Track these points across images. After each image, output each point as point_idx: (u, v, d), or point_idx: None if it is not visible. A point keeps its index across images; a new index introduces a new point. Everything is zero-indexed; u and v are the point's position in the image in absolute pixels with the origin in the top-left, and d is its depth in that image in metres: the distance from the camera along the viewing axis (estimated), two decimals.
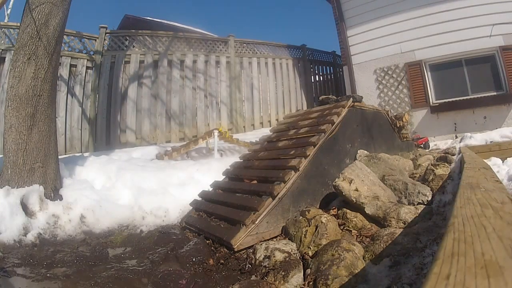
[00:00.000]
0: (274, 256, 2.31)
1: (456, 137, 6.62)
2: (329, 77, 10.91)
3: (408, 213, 2.54)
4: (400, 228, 2.42)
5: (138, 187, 3.88)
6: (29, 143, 3.25)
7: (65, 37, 5.60)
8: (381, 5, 7.37)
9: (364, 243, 2.42)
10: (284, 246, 2.45)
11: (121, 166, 4.29)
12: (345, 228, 2.70)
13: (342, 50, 8.17)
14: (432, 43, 6.89)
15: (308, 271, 2.14)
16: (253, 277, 2.22)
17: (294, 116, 4.65)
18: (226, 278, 2.27)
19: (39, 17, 3.32)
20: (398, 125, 4.85)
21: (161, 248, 2.73)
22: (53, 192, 3.38)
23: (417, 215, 2.53)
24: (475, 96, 6.66)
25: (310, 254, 2.36)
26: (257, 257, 2.38)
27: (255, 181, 3.32)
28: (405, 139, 5.01)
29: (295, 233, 2.60)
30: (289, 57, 9.45)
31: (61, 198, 3.38)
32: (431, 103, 7.03)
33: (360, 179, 2.87)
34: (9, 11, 8.96)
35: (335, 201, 3.11)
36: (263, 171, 3.40)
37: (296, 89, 9.44)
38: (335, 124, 3.56)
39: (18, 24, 3.80)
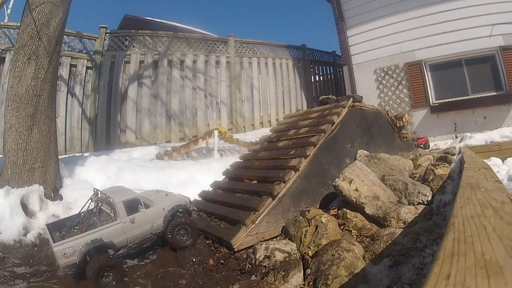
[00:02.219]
0: (274, 256, 2.31)
1: (456, 137, 6.61)
2: (329, 77, 10.91)
3: (408, 213, 2.54)
4: (400, 228, 2.42)
5: (138, 187, 3.87)
6: (29, 143, 3.25)
7: (65, 37, 5.59)
8: (381, 5, 7.36)
9: (364, 243, 2.42)
10: (284, 246, 2.45)
11: (121, 166, 4.29)
12: (345, 228, 2.70)
13: (342, 50, 8.17)
14: (432, 43, 6.88)
15: (308, 271, 2.14)
16: (253, 277, 2.22)
17: (294, 116, 4.66)
18: (226, 278, 2.27)
19: (39, 17, 3.32)
20: (398, 125, 4.84)
21: (161, 248, 2.73)
22: (53, 192, 3.38)
23: (417, 215, 2.53)
24: (475, 96, 6.66)
25: (310, 254, 2.36)
26: (257, 257, 2.38)
27: (255, 181, 3.32)
28: (405, 139, 5.01)
29: (295, 233, 2.60)
30: (289, 57, 9.45)
31: (61, 198, 3.38)
32: (431, 103, 7.03)
33: (360, 179, 2.87)
34: (9, 11, 8.95)
35: (335, 201, 3.11)
36: (263, 171, 3.40)
37: (296, 89, 9.44)
38: (335, 124, 3.56)
39: (18, 24, 3.80)
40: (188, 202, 2.83)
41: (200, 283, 2.19)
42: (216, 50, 7.96)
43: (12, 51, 4.09)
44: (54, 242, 2.15)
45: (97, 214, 2.55)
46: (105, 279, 2.18)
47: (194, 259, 2.43)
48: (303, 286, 2.05)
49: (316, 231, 2.48)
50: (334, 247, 2.14)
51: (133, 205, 2.45)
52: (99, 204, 2.60)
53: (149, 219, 2.50)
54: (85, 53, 6.37)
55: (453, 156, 4.43)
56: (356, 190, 2.78)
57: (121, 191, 2.60)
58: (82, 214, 2.57)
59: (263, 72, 8.77)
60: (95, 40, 6.48)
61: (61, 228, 2.47)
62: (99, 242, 2.22)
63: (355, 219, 2.72)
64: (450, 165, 3.63)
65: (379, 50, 7.51)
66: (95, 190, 2.61)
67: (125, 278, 2.25)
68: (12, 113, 3.24)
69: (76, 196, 3.39)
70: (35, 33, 3.29)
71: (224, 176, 3.87)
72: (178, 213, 2.67)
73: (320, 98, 4.55)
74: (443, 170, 3.31)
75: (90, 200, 2.59)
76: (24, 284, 2.16)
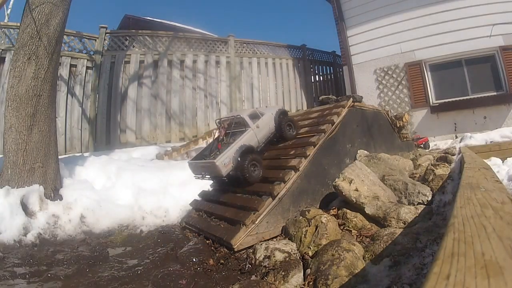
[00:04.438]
0: (274, 256, 2.31)
1: (456, 137, 6.61)
2: (329, 77, 10.90)
3: (408, 213, 2.54)
4: (400, 228, 2.42)
5: (138, 187, 3.88)
6: (29, 143, 3.25)
7: (65, 37, 5.60)
8: (381, 5, 7.36)
9: (364, 243, 2.42)
10: (284, 246, 2.45)
11: (121, 166, 4.29)
12: (345, 228, 2.70)
13: (342, 50, 8.17)
14: (432, 43, 6.88)
15: (308, 271, 2.14)
16: (253, 277, 2.22)
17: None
18: (226, 278, 2.27)
19: (39, 17, 3.32)
20: (398, 125, 4.84)
21: (161, 248, 2.73)
22: (53, 192, 3.38)
23: (417, 215, 2.53)
24: (475, 96, 6.66)
25: (310, 254, 2.36)
26: (257, 257, 2.38)
27: None
28: (405, 139, 5.01)
29: (295, 233, 2.60)
30: (289, 57, 9.45)
31: (61, 198, 3.38)
32: (431, 103, 7.03)
33: (360, 179, 2.86)
34: (9, 11, 8.96)
35: (335, 201, 3.11)
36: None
37: (296, 89, 9.44)
38: (335, 124, 3.56)
39: (18, 24, 3.80)
40: (282, 107, 4.00)
41: (200, 283, 2.19)
42: (216, 50, 7.96)
43: (12, 51, 4.09)
44: (214, 160, 2.92)
45: (226, 135, 3.40)
46: (254, 173, 3.06)
47: (194, 259, 2.43)
48: (303, 286, 2.05)
49: (316, 231, 2.48)
50: (334, 247, 2.14)
51: (254, 116, 3.42)
52: (227, 127, 3.45)
53: (267, 123, 3.48)
54: (85, 53, 6.38)
55: (453, 156, 4.43)
56: (356, 190, 2.78)
57: (243, 110, 3.76)
58: (220, 138, 3.41)
59: (263, 72, 8.78)
60: (95, 40, 6.49)
61: (204, 156, 3.32)
62: (244, 147, 3.08)
63: (355, 219, 2.72)
64: (450, 165, 3.63)
65: (379, 50, 7.51)
66: (217, 120, 3.61)
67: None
68: (12, 113, 3.24)
69: (76, 196, 3.40)
70: (35, 33, 3.29)
71: None
72: (283, 115, 3.70)
73: (320, 98, 4.55)
74: (443, 170, 3.31)
75: (217, 130, 3.55)
76: (24, 284, 2.16)
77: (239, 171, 3.02)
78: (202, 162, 3.16)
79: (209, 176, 3.18)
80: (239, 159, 3.01)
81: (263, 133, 3.41)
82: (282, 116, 3.66)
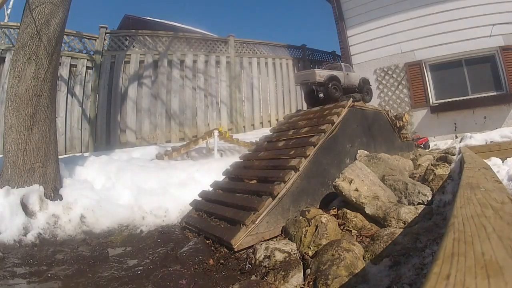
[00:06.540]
0: (274, 256, 2.31)
1: (456, 137, 6.61)
2: None
3: (408, 213, 2.54)
4: (400, 228, 2.42)
5: (138, 187, 3.88)
6: (29, 143, 3.25)
7: (65, 37, 5.60)
8: (381, 5, 7.37)
9: (364, 243, 2.42)
10: (284, 246, 2.45)
11: (121, 166, 4.29)
12: (345, 228, 2.70)
13: (342, 50, 8.18)
14: (432, 43, 6.89)
15: (308, 271, 2.14)
16: (253, 277, 2.22)
17: (294, 116, 4.65)
18: (226, 278, 2.27)
19: (39, 17, 3.32)
20: (398, 125, 4.84)
21: (161, 248, 2.73)
22: (53, 192, 3.38)
23: (417, 215, 2.53)
24: (475, 96, 6.66)
25: (310, 254, 2.35)
26: (257, 257, 2.38)
27: (255, 181, 3.31)
28: (405, 139, 5.00)
29: (295, 233, 2.60)
30: (289, 57, 9.46)
31: (61, 198, 3.38)
32: (431, 103, 7.03)
33: (360, 179, 2.86)
34: (9, 11, 8.97)
35: (335, 201, 3.11)
36: (263, 171, 3.40)
37: (296, 89, 9.44)
38: (335, 124, 3.56)
39: (18, 24, 3.80)
40: (366, 77, 5.23)
41: (200, 283, 2.19)
42: (216, 50, 7.97)
43: (12, 51, 4.09)
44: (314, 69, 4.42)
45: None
46: (335, 94, 4.26)
47: (194, 259, 2.43)
48: (303, 286, 2.05)
49: (316, 231, 2.48)
50: (334, 247, 2.14)
51: (348, 69, 4.78)
52: (329, 69, 4.68)
53: (353, 77, 4.72)
54: (85, 53, 6.39)
55: (453, 156, 4.43)
56: (356, 190, 2.78)
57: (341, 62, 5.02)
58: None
59: (263, 72, 8.79)
60: (95, 40, 6.50)
61: None
62: (333, 75, 4.36)
63: (355, 219, 2.72)
64: (450, 165, 3.63)
65: (379, 50, 7.51)
66: (317, 68, 4.96)
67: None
68: (12, 113, 3.24)
69: (76, 196, 3.39)
70: (35, 33, 3.29)
71: (224, 176, 3.87)
72: (365, 82, 4.87)
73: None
74: (443, 170, 3.30)
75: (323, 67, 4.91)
76: (24, 284, 2.16)
77: (325, 89, 4.21)
78: (305, 71, 4.79)
79: (305, 84, 4.43)
80: (328, 81, 4.24)
81: (348, 80, 4.60)
82: (364, 82, 4.86)
